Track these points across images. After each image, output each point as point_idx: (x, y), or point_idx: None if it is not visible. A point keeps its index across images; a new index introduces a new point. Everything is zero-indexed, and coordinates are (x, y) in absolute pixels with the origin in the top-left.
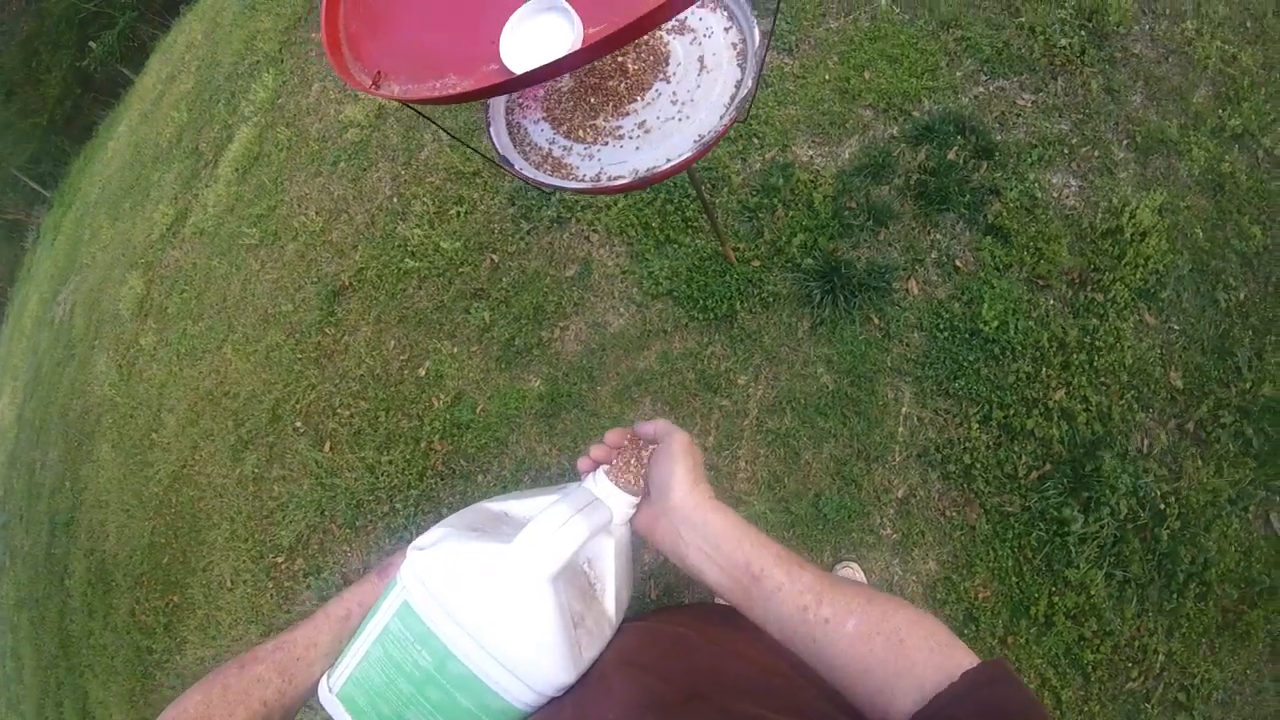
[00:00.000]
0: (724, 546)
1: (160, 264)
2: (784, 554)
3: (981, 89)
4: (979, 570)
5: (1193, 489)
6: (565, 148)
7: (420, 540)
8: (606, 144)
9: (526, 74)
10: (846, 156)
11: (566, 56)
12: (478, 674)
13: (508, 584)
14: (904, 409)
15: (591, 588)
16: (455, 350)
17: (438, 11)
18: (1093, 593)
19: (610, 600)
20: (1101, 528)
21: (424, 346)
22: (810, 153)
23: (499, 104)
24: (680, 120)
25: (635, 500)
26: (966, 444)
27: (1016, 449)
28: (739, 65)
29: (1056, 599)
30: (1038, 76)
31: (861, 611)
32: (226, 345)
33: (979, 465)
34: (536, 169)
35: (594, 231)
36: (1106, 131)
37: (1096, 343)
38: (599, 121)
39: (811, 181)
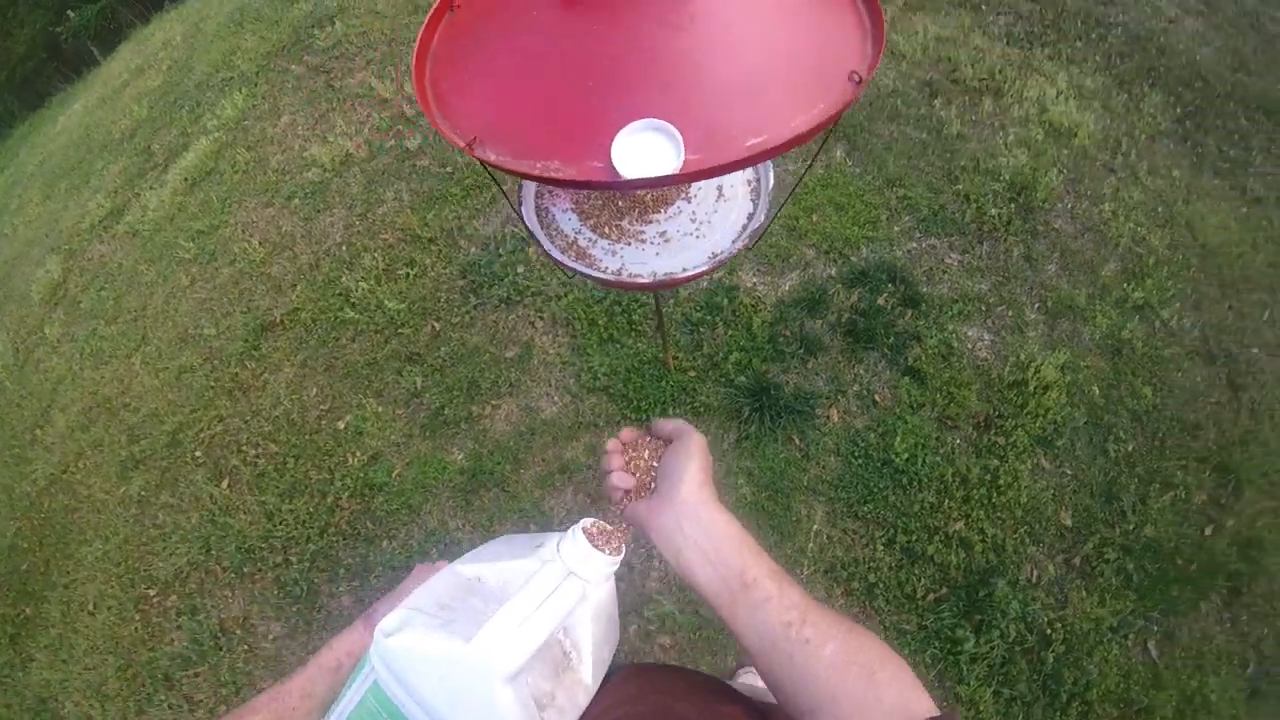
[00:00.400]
0: (723, 549)
1: (84, 254)
2: (777, 570)
3: (915, 244)
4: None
5: (1077, 617)
6: (590, 240)
7: (386, 624)
8: (629, 244)
9: (630, 180)
10: (787, 288)
11: (669, 175)
12: None
13: (468, 682)
14: (815, 526)
15: (566, 657)
16: (380, 409)
17: (547, 108)
18: (981, 709)
19: (587, 666)
20: (992, 649)
21: (348, 400)
22: (754, 280)
23: (530, 186)
24: (697, 237)
25: (617, 561)
26: (871, 564)
27: (917, 572)
28: (751, 200)
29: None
30: (966, 239)
31: (841, 639)
32: (137, 356)
33: (881, 585)
34: (562, 253)
35: (540, 318)
36: (1022, 295)
37: (996, 481)
38: (624, 224)
39: (753, 306)
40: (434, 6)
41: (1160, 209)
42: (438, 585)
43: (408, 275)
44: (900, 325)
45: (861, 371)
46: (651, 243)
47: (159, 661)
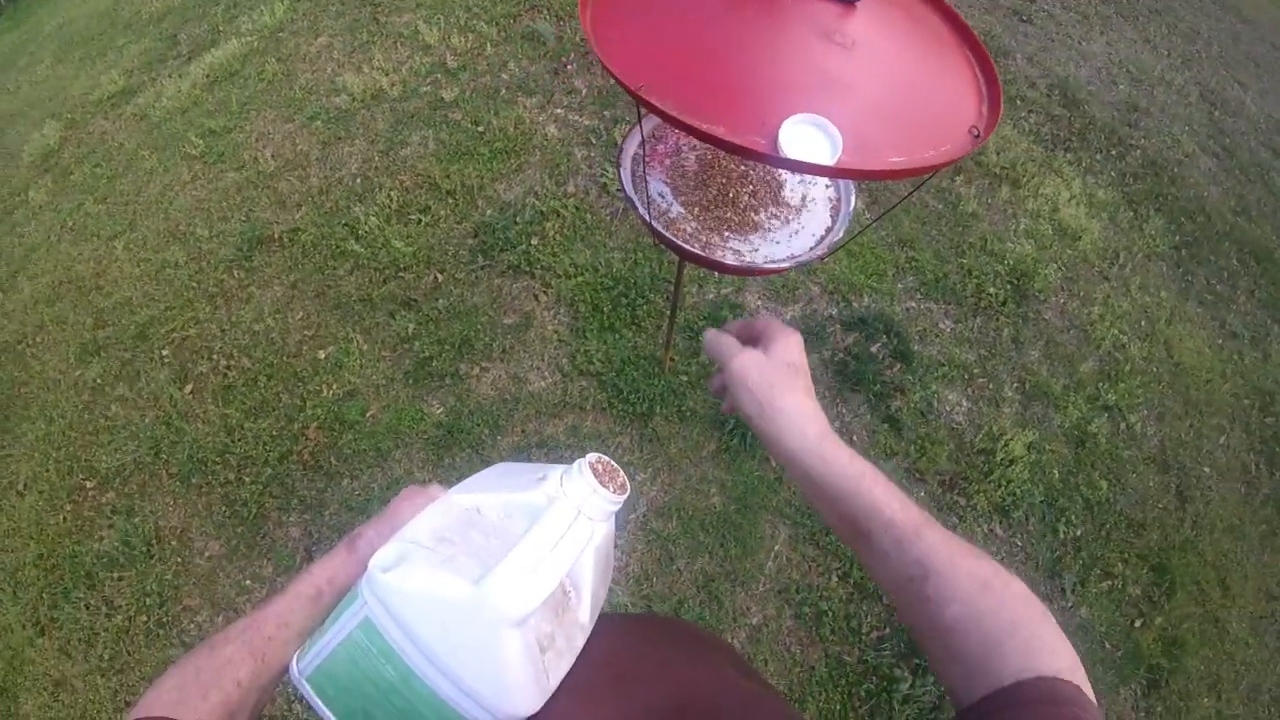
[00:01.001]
0: (844, 489)
1: (85, 126)
2: (897, 517)
3: (915, 304)
4: (809, 708)
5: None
6: (681, 214)
7: (381, 557)
8: (712, 229)
9: (790, 160)
10: (789, 317)
11: (824, 166)
12: (441, 696)
13: (473, 626)
14: (777, 547)
15: (566, 598)
16: (366, 347)
17: (711, 78)
18: None
19: (585, 607)
20: (925, 693)
21: (333, 331)
22: (759, 303)
23: (629, 152)
24: (777, 243)
25: (621, 499)
26: (824, 592)
27: (865, 608)
28: (831, 216)
29: None
30: (962, 310)
31: (965, 601)
32: (120, 240)
33: (829, 614)
34: (649, 217)
35: (545, 292)
36: (1003, 372)
37: None
38: (714, 210)
39: None
40: None
41: (1144, 323)
42: (434, 515)
43: (419, 221)
44: (888, 375)
45: (844, 410)
46: (735, 230)
47: (84, 557)
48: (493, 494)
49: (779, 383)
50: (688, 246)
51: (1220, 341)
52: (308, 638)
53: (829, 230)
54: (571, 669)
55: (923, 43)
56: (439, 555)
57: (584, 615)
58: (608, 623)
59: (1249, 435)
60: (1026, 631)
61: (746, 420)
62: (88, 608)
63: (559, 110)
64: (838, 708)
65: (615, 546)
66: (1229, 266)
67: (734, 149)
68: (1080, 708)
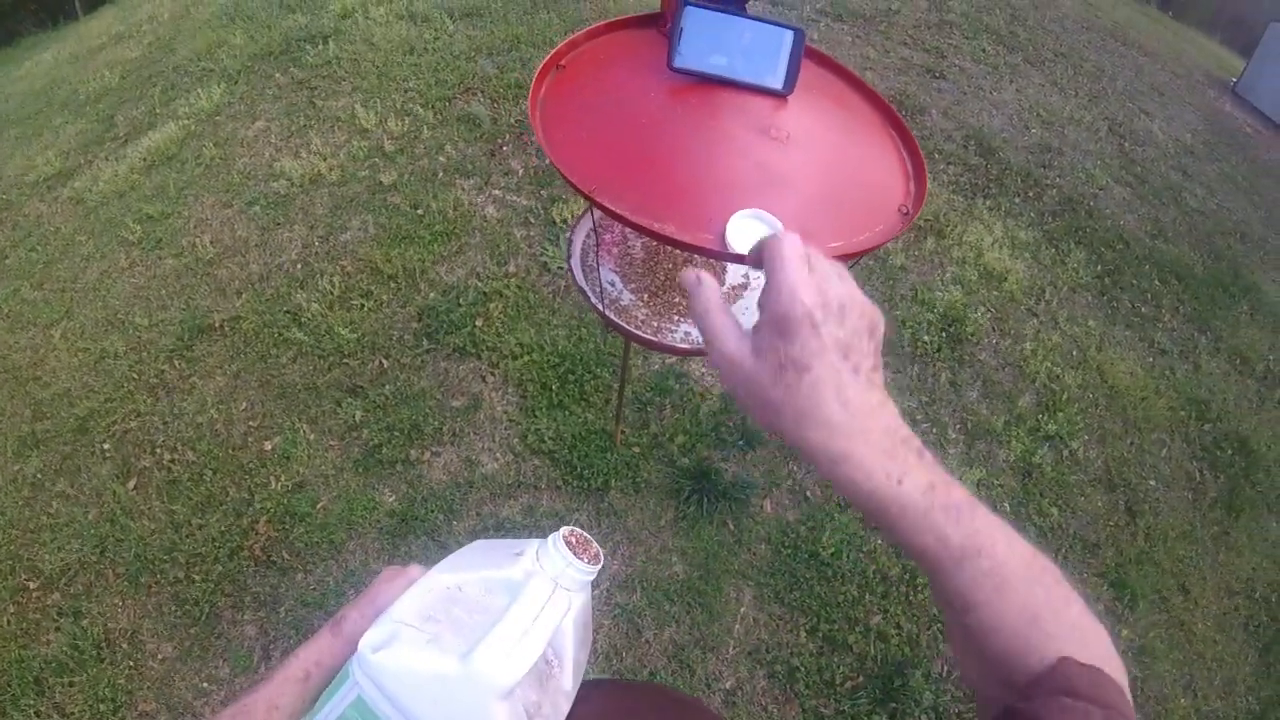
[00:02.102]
0: (899, 524)
1: (20, 208)
2: (931, 549)
3: None
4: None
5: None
6: (632, 300)
7: (371, 638)
8: (663, 312)
9: (735, 254)
10: None
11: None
12: None
13: (463, 700)
14: (743, 609)
15: (549, 666)
16: (313, 437)
17: (658, 178)
18: None
19: (568, 674)
20: None
21: (279, 421)
22: (704, 371)
23: (577, 242)
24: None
25: (596, 569)
26: (794, 648)
27: (837, 659)
28: None
29: None
30: (900, 360)
31: (1012, 634)
32: (58, 329)
33: (802, 669)
34: (603, 306)
35: (493, 374)
36: (945, 415)
37: (914, 580)
38: (664, 295)
39: (700, 394)
40: (544, 62)
41: (1075, 352)
42: (418, 595)
43: (362, 306)
44: None
45: (795, 468)
46: (684, 315)
47: (30, 662)
48: (472, 572)
49: (771, 401)
50: (640, 333)
51: (1151, 360)
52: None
53: None
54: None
55: (850, 127)
56: (426, 634)
57: (567, 683)
58: (592, 688)
59: (1189, 444)
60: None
61: None
62: (38, 715)
63: (497, 191)
64: None
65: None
66: (1151, 288)
67: (685, 246)
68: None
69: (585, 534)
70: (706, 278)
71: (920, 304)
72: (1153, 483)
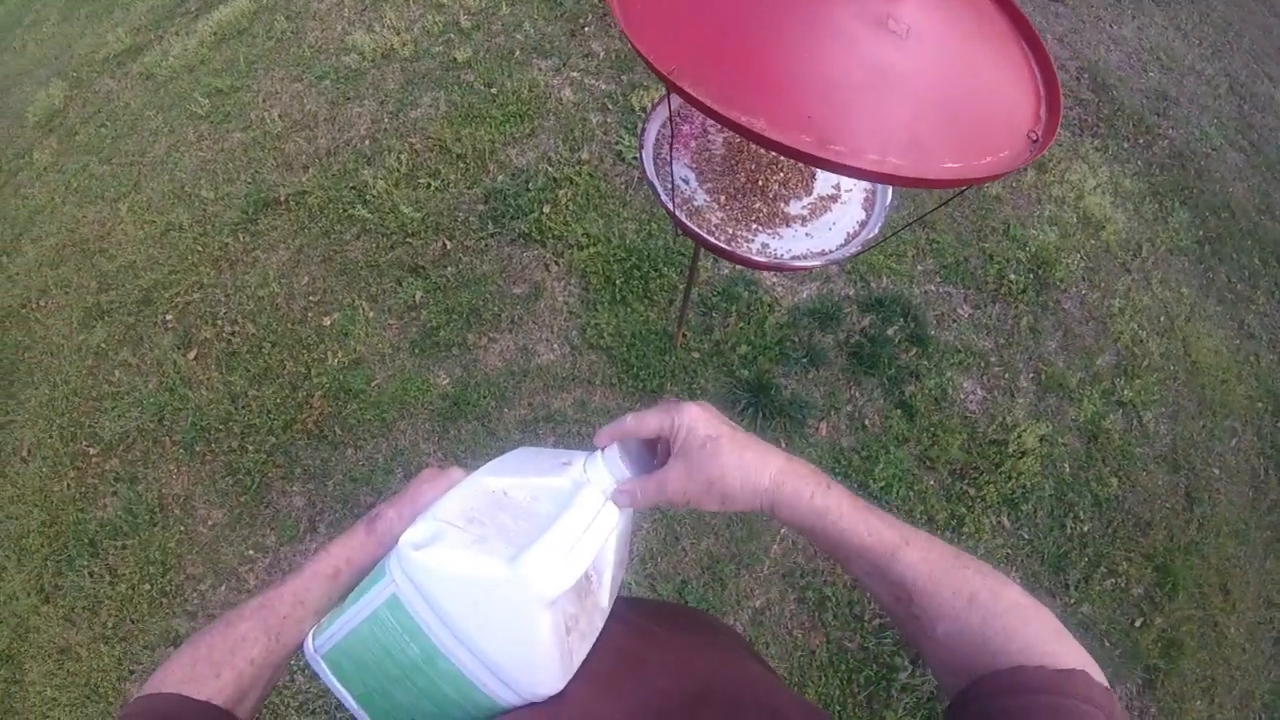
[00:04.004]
0: (810, 525)
1: (91, 85)
2: (867, 541)
3: (933, 287)
4: (809, 691)
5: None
6: (706, 202)
7: (412, 535)
8: (739, 219)
9: (836, 163)
10: (804, 295)
11: (872, 171)
12: (466, 674)
13: (506, 605)
14: (783, 530)
15: (589, 582)
16: (372, 315)
17: (753, 65)
18: None
19: (605, 590)
20: (923, 682)
21: (339, 297)
22: (775, 280)
23: (652, 132)
24: (809, 236)
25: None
26: (828, 578)
27: (868, 596)
28: (865, 209)
29: None
30: (982, 295)
31: (953, 618)
32: (125, 202)
33: (833, 600)
34: (676, 207)
35: (557, 263)
36: (1019, 361)
37: (960, 527)
38: (741, 200)
39: (769, 305)
40: None
41: (1163, 318)
42: (462, 496)
43: (429, 185)
44: (903, 360)
45: (858, 394)
46: (763, 223)
47: (87, 525)
48: (519, 477)
49: (712, 471)
50: (713, 239)
51: (1238, 342)
52: (324, 616)
53: (863, 225)
54: (592, 650)
55: (980, 32)
56: (470, 535)
57: (604, 599)
58: (624, 607)
59: (1260, 439)
60: (1022, 639)
61: None
62: (91, 575)
63: (575, 74)
64: (836, 692)
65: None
66: (1250, 265)
67: (775, 146)
68: (1088, 701)
69: (636, 445)
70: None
71: (1012, 240)
72: (1216, 471)
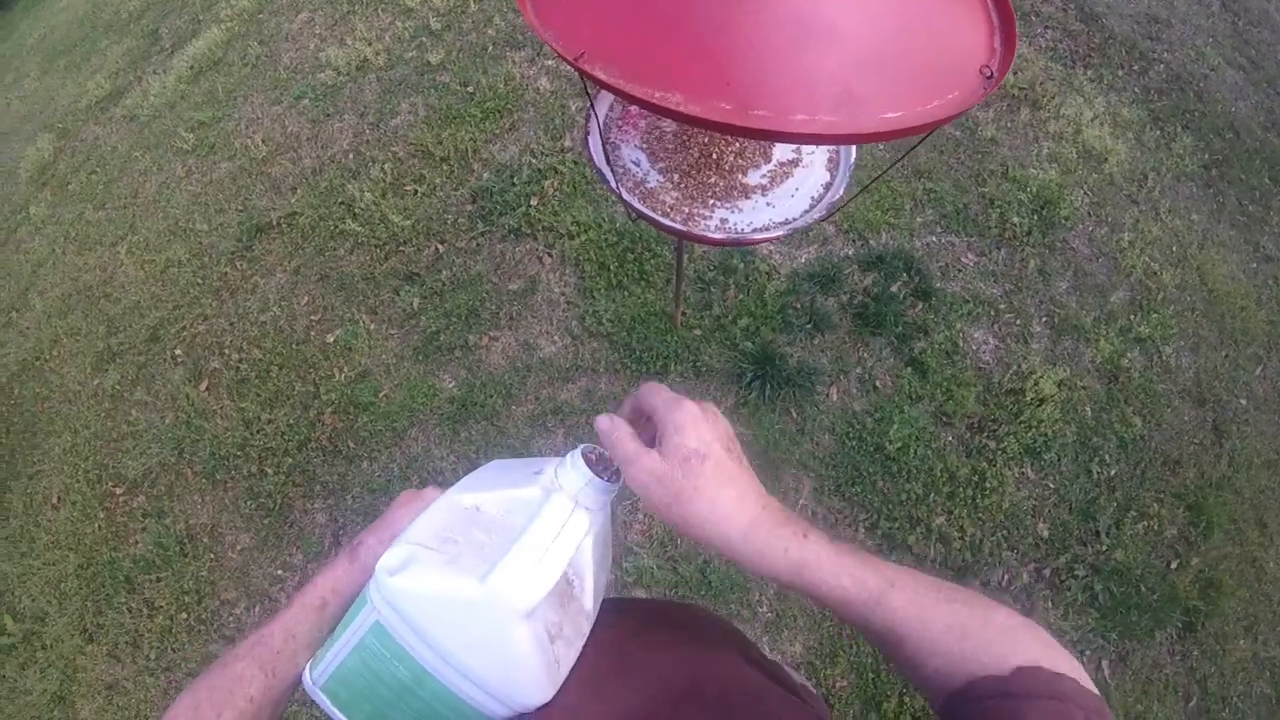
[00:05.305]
0: (789, 581)
1: (77, 135)
2: (850, 594)
3: (935, 238)
4: (840, 661)
5: (1041, 625)
6: (660, 183)
7: (387, 561)
8: (697, 196)
9: (758, 129)
10: (803, 260)
11: (804, 134)
12: (455, 692)
13: (483, 621)
14: (801, 500)
15: (570, 586)
16: (373, 327)
17: (665, 35)
18: None
19: (589, 594)
20: None
21: (340, 313)
22: (771, 248)
23: (596, 119)
24: (769, 203)
25: (616, 487)
26: (852, 544)
27: (895, 559)
28: (829, 171)
29: (907, 699)
30: (985, 242)
31: (946, 653)
32: (123, 245)
33: None
34: (628, 192)
35: (549, 254)
36: (1031, 306)
37: (983, 483)
38: (697, 175)
39: (767, 274)
40: None
41: (1175, 248)
42: (435, 516)
43: (415, 192)
44: (910, 316)
45: (866, 355)
46: (720, 197)
47: (121, 563)
48: (490, 491)
49: (684, 489)
50: (668, 221)
51: (1255, 265)
52: (316, 647)
53: (827, 187)
54: (581, 655)
55: None
56: (444, 555)
57: (588, 603)
58: (611, 608)
59: None
60: (1018, 659)
61: None
62: (130, 611)
63: (550, 61)
64: (869, 661)
65: (638, 510)
66: (1260, 185)
67: (697, 121)
68: (1083, 707)
69: (605, 451)
70: (618, 420)
71: (1012, 181)
72: (1244, 401)
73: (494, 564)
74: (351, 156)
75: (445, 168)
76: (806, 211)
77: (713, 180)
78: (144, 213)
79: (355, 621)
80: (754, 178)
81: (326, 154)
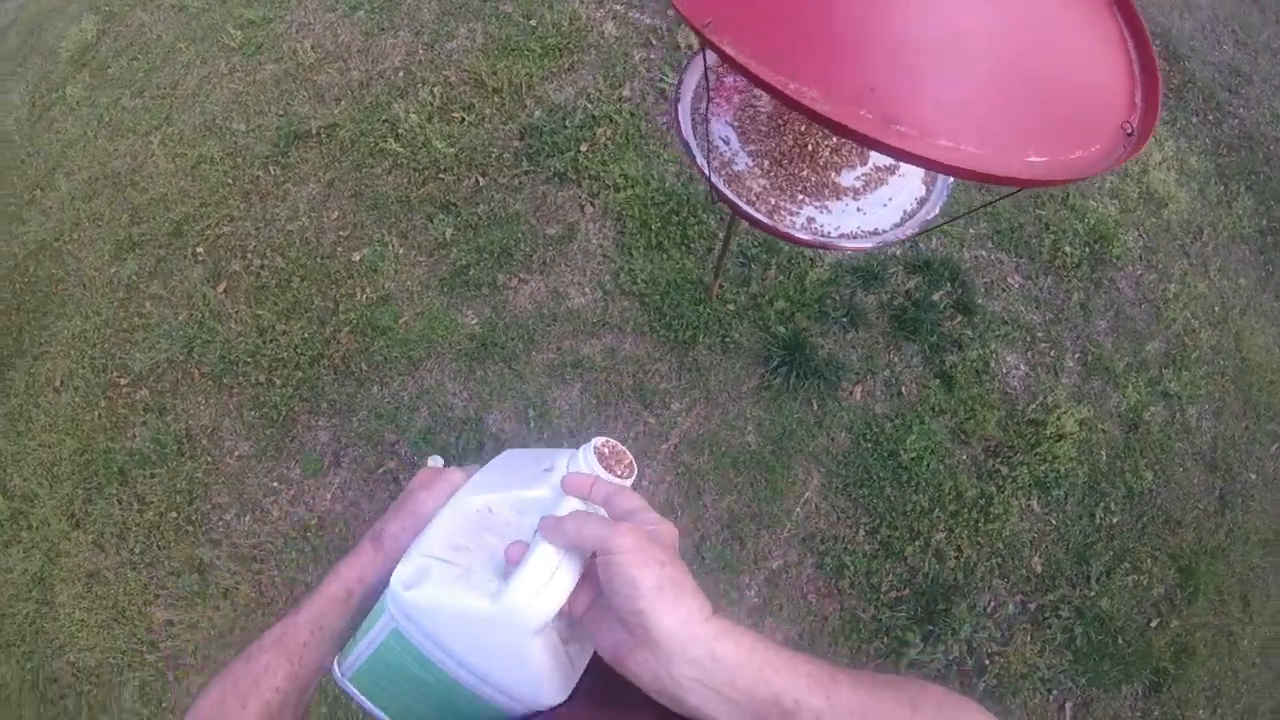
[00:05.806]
0: (741, 682)
1: (123, 19)
2: (814, 670)
3: (984, 253)
4: (818, 653)
5: (1016, 657)
6: (748, 167)
7: (401, 573)
8: (783, 189)
9: (901, 149)
10: (849, 252)
11: (945, 164)
12: (476, 693)
13: (496, 637)
14: (808, 494)
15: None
16: (402, 251)
17: (811, 26)
18: None
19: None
20: (933, 660)
21: (369, 232)
22: None
23: (690, 82)
24: (860, 212)
25: (629, 484)
26: (849, 545)
27: (888, 567)
28: (925, 184)
29: None
30: (1035, 266)
31: None
32: (156, 135)
33: (851, 568)
34: (714, 172)
35: (592, 204)
36: (1067, 339)
37: (988, 507)
38: (787, 166)
39: (811, 259)
40: None
41: (1218, 309)
42: (448, 520)
43: (463, 120)
44: (947, 327)
45: (896, 359)
46: (810, 194)
47: (116, 454)
48: (503, 491)
49: (625, 620)
50: (753, 211)
51: None
52: (343, 638)
53: (921, 203)
54: (595, 655)
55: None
56: (456, 568)
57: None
58: None
59: None
60: None
61: None
62: (120, 503)
63: (618, 6)
64: (846, 660)
65: (644, 477)
66: None
67: (832, 125)
68: None
69: (618, 444)
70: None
71: (1070, 209)
72: (1254, 476)
73: (507, 581)
74: (401, 75)
75: (496, 99)
76: (897, 225)
77: (804, 173)
78: (181, 105)
79: (376, 626)
80: (847, 178)
81: (376, 69)
